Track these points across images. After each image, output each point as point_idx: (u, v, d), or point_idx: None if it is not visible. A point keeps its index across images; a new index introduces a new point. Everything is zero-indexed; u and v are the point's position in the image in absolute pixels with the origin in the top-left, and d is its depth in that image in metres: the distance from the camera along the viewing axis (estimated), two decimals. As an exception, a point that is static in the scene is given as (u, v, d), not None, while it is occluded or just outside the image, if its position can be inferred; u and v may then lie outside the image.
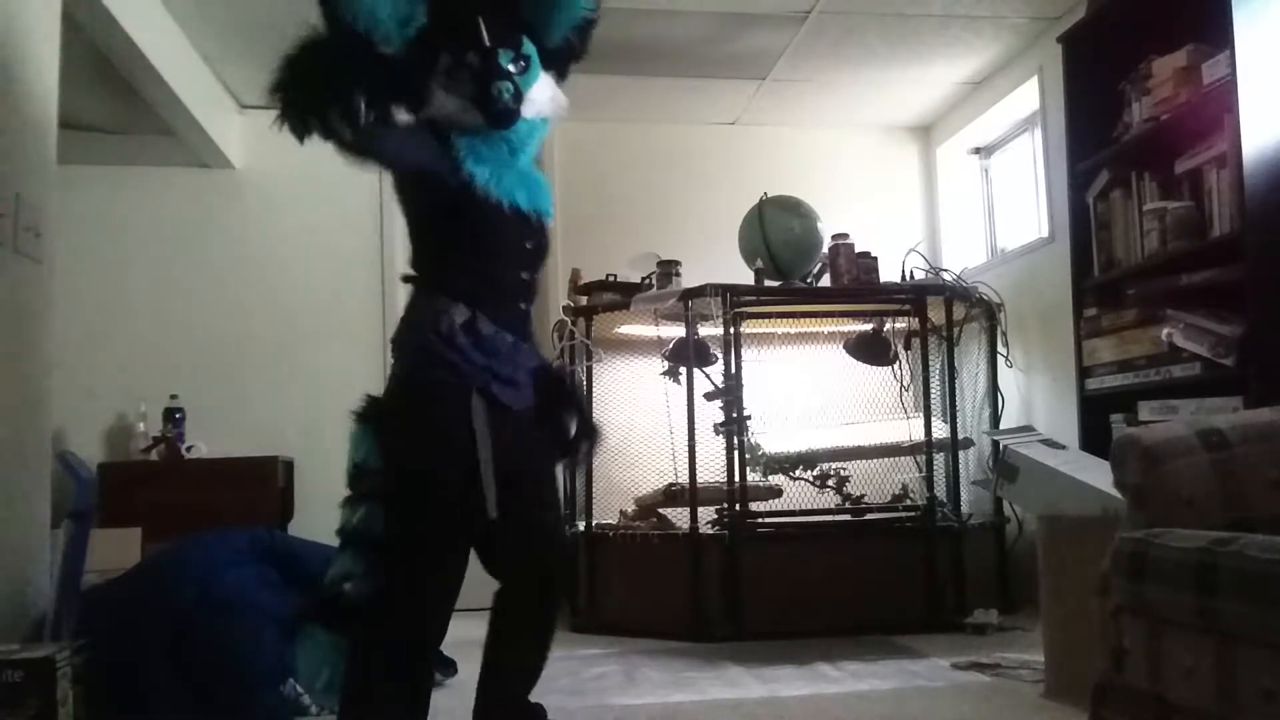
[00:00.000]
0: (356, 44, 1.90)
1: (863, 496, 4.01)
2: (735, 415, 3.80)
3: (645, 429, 4.07)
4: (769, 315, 4.07)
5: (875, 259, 4.17)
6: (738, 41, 4.17)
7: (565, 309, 4.32)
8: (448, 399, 1.95)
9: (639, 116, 4.97)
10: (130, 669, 2.50)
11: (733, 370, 3.82)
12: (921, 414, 3.95)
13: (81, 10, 3.11)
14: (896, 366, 4.19)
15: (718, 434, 3.83)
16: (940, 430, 4.01)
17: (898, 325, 4.18)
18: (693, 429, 3.82)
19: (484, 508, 1.92)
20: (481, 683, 2.10)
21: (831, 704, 2.69)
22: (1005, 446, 3.10)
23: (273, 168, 4.75)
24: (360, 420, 2.01)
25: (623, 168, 5.01)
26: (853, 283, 4.10)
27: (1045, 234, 4.23)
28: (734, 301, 3.85)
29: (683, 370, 3.91)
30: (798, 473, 3.98)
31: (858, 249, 4.15)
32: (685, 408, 3.83)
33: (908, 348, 4.24)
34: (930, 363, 4.03)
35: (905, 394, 4.17)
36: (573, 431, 2.19)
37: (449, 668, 3.04)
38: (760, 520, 3.85)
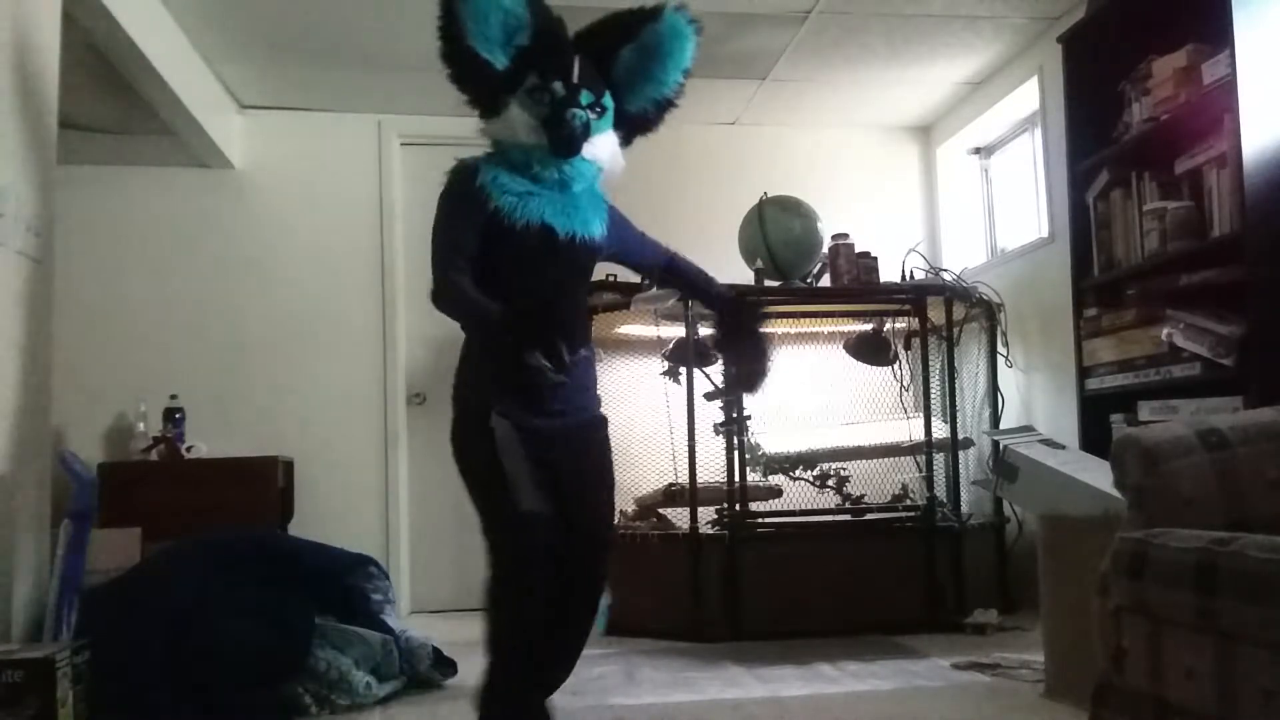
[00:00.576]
0: (461, 40, 2.09)
1: (863, 496, 4.01)
2: (735, 415, 3.80)
3: (645, 429, 4.07)
4: (769, 315, 4.05)
5: (875, 259, 4.17)
6: (738, 41, 4.17)
7: (565, 309, 4.31)
8: (476, 421, 2.10)
9: (639, 116, 4.96)
10: (129, 669, 2.50)
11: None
12: (921, 414, 3.95)
13: (81, 10, 3.11)
14: (896, 366, 4.19)
15: (718, 434, 3.83)
16: (940, 430, 4.02)
17: (898, 325, 4.18)
18: (693, 429, 3.82)
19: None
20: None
21: (831, 704, 2.69)
22: (1005, 446, 3.10)
23: (273, 168, 4.75)
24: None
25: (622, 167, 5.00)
26: (853, 283, 4.10)
27: (1045, 234, 4.23)
28: (734, 302, 3.84)
29: (683, 370, 3.91)
30: (798, 473, 3.98)
31: (858, 249, 4.16)
32: (685, 408, 3.83)
33: (908, 348, 4.24)
34: (930, 363, 4.03)
35: (905, 394, 4.17)
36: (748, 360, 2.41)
37: (449, 668, 3.04)
38: (760, 520, 3.85)
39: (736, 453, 3.80)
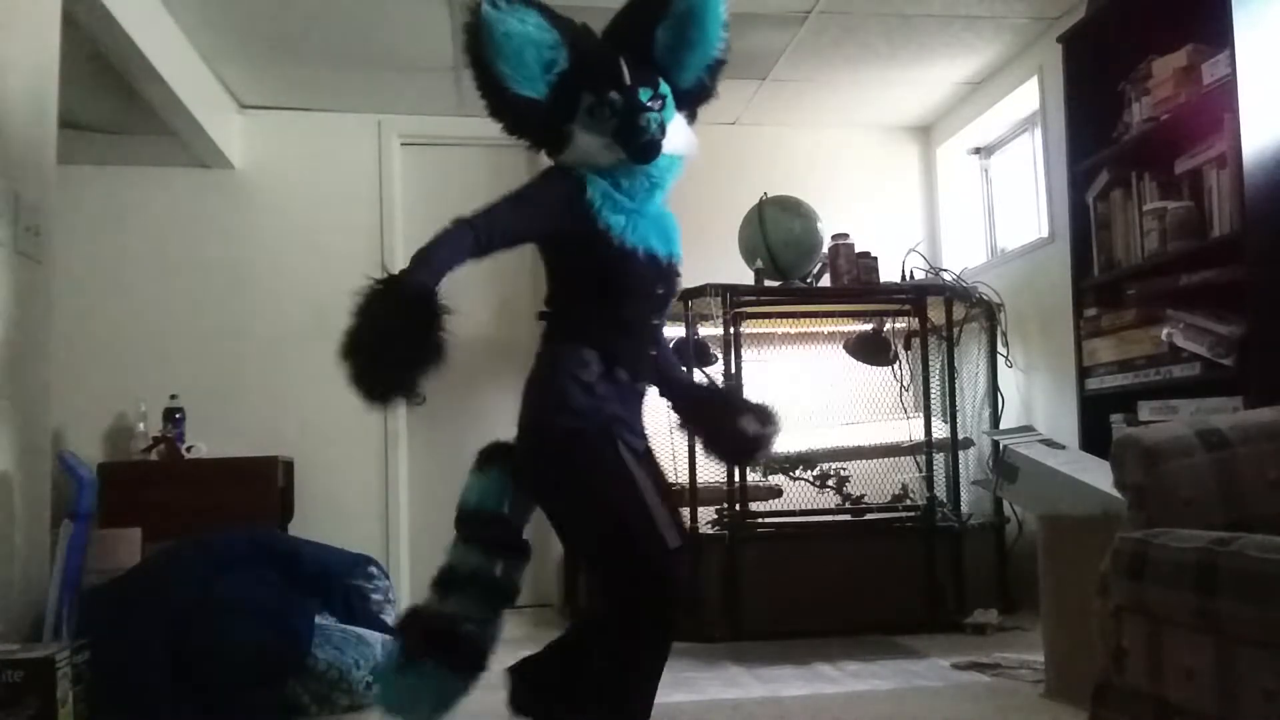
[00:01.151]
0: (503, 90, 1.99)
1: (863, 496, 4.01)
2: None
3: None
4: (769, 315, 4.07)
5: (875, 259, 4.17)
6: (738, 41, 4.12)
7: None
8: (598, 446, 1.96)
9: (639, 116, 4.95)
10: (130, 669, 2.50)
11: (733, 370, 3.82)
12: (921, 414, 3.95)
13: (81, 10, 3.11)
14: (896, 366, 4.19)
15: (718, 434, 3.82)
16: (940, 430, 4.02)
17: (898, 325, 4.18)
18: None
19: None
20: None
21: (831, 704, 2.69)
22: (1005, 446, 3.10)
23: (273, 168, 4.75)
24: (483, 463, 2.07)
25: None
26: (853, 283, 4.10)
27: (1045, 234, 4.23)
28: (734, 301, 3.85)
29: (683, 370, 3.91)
30: (798, 473, 3.98)
31: (858, 249, 4.15)
32: (685, 408, 3.82)
33: (908, 348, 4.24)
34: (930, 363, 4.03)
35: (905, 394, 4.17)
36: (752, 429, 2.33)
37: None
38: (760, 520, 3.85)
39: (736, 453, 3.79)
